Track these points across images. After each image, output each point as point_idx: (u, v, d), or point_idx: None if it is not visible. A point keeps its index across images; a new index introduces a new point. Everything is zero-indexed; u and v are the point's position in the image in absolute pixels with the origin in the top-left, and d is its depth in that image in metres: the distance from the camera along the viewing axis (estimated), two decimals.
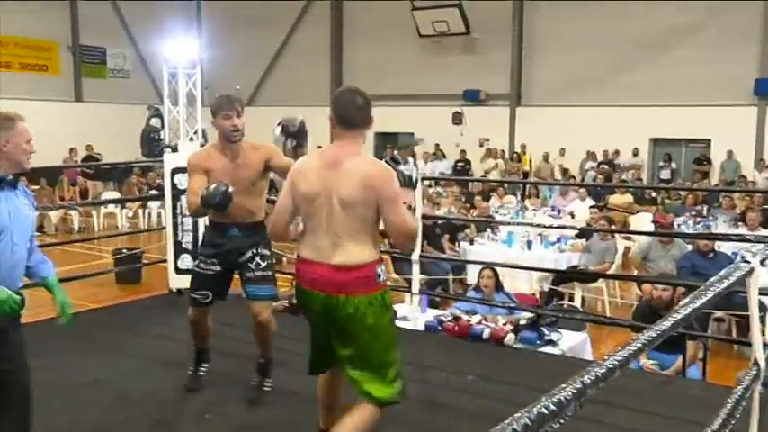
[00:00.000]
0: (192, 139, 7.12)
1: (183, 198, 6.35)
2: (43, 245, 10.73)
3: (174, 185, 6.26)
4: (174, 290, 6.40)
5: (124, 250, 9.17)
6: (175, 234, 6.21)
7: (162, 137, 9.94)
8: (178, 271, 6.26)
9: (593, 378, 1.40)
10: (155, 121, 13.35)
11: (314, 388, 3.23)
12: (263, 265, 3.79)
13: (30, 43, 20.76)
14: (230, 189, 3.54)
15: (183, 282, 6.42)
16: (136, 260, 8.80)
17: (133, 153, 14.77)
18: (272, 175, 3.89)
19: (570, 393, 1.29)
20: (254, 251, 3.78)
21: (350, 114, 2.89)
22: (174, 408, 3.94)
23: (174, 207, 6.30)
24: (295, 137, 3.70)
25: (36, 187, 14.12)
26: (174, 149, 6.63)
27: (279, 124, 3.74)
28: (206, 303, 3.86)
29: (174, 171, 6.34)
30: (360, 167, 2.85)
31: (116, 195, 15.46)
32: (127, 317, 5.88)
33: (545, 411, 1.20)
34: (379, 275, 2.87)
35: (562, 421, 1.24)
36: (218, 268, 3.82)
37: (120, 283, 8.52)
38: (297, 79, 20.96)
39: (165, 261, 6.43)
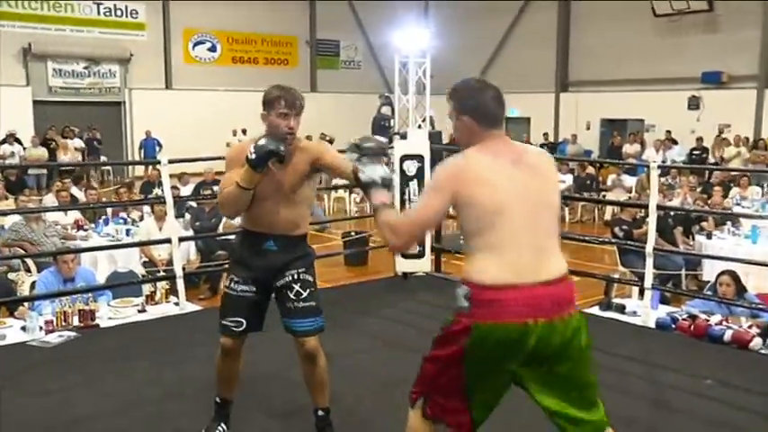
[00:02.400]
0: (420, 126, 7.33)
1: (412, 184, 6.58)
2: None
3: (402, 171, 6.49)
4: (401, 273, 6.67)
5: (353, 233, 9.60)
6: None
7: (392, 124, 10.32)
8: (404, 255, 6.49)
9: None
10: (386, 110, 13.91)
11: None
12: (305, 294, 3.18)
13: (274, 39, 22.67)
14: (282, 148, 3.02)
15: (409, 266, 6.68)
16: (363, 243, 9.20)
17: None
18: None
19: None
20: (295, 275, 3.18)
21: (495, 110, 2.41)
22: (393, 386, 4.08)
23: (402, 192, 6.54)
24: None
25: None
26: (404, 136, 6.87)
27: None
28: (239, 333, 3.21)
29: (404, 158, 6.58)
30: (539, 152, 2.54)
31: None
32: (358, 297, 6.19)
33: None
34: None
35: None
36: (253, 292, 3.21)
37: (348, 264, 8.96)
38: (521, 66, 20.66)
39: None
